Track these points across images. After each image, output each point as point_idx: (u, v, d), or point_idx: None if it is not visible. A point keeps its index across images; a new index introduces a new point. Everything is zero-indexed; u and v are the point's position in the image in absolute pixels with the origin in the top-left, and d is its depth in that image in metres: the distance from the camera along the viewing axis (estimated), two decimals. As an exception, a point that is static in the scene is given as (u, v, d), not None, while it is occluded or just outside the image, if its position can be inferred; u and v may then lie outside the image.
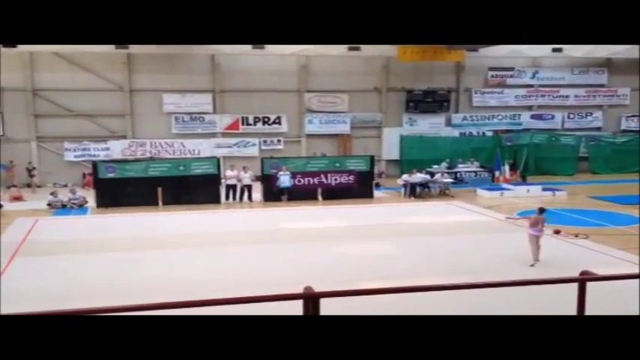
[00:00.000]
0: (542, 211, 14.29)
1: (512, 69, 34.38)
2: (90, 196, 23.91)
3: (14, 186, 26.58)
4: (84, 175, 28.69)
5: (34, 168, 28.94)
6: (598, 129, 35.73)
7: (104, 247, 15.90)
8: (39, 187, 28.21)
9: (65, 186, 27.99)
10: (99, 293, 11.69)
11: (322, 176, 24.99)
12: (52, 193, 23.51)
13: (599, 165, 34.25)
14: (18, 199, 24.92)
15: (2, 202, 22.07)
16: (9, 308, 9.33)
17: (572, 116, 35.56)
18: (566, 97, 35.21)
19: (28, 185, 28.03)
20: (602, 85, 35.55)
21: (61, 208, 22.67)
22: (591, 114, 35.70)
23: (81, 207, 22.92)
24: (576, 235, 16.79)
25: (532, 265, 13.26)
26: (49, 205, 22.77)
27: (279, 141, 32.11)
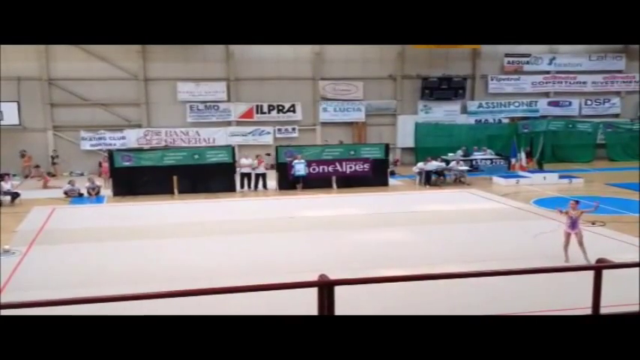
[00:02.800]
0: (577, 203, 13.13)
1: (528, 55, 34.05)
2: (106, 185, 24.12)
3: (37, 166, 26.87)
4: (100, 164, 28.87)
5: (57, 156, 29.28)
6: (616, 115, 35.40)
7: (121, 236, 16.02)
8: (54, 175, 28.41)
9: (82, 175, 28.23)
10: (115, 281, 11.78)
11: (337, 164, 24.95)
12: (69, 182, 23.69)
13: (617, 152, 33.95)
14: (46, 180, 25.65)
15: (20, 191, 22.26)
16: (27, 295, 9.45)
17: (589, 103, 35.23)
18: (584, 83, 34.87)
19: (48, 174, 28.25)
20: (619, 71, 35.14)
21: (77, 196, 22.84)
22: (609, 100, 35.35)
23: (97, 196, 23.07)
24: (593, 223, 16.64)
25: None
26: (65, 193, 22.96)
27: (293, 129, 32.12)
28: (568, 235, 12.61)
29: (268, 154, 25.14)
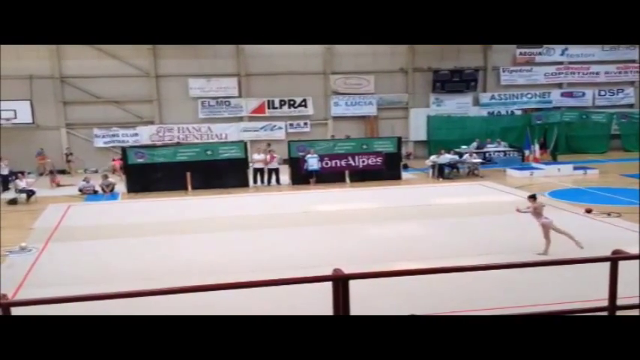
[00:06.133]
0: (533, 197, 13.46)
1: (540, 46, 33.78)
2: (118, 180, 24.33)
3: (51, 172, 26.98)
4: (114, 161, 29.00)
5: (72, 154, 29.44)
6: (630, 105, 35.06)
7: (136, 232, 16.10)
8: (68, 173, 28.52)
9: (96, 172, 28.36)
10: (131, 277, 11.87)
11: (350, 158, 24.95)
12: (84, 179, 23.85)
13: (632, 142, 33.60)
14: (57, 183, 25.60)
15: (35, 189, 22.42)
16: (44, 292, 9.53)
17: (603, 93, 34.94)
18: (597, 73, 34.58)
19: (62, 171, 28.39)
20: (633, 61, 34.79)
21: (92, 193, 22.99)
22: (622, 90, 35.03)
23: (112, 192, 23.21)
24: (608, 214, 16.55)
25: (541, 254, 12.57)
26: (80, 190, 23.12)
27: (305, 124, 32.12)
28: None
29: (269, 144, 25.44)
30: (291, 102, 32.01)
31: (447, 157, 25.74)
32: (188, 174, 23.47)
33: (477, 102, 33.87)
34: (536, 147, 29.21)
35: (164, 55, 30.42)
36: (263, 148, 25.44)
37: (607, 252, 5.40)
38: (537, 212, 13.09)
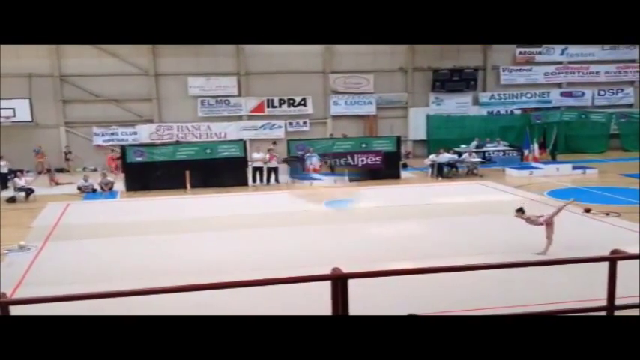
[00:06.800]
0: (520, 211, 13.52)
1: (540, 46, 33.76)
2: (116, 179, 24.32)
3: (49, 170, 26.97)
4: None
5: (70, 152, 29.40)
6: (629, 105, 35.05)
7: (134, 231, 16.08)
8: (67, 171, 28.50)
9: (95, 170, 28.35)
10: (129, 276, 11.86)
11: (349, 157, 24.94)
12: (84, 178, 23.84)
13: (631, 142, 33.57)
14: (56, 181, 25.55)
15: (34, 187, 22.41)
16: (44, 290, 9.52)
17: (602, 93, 34.93)
18: (596, 73, 34.57)
19: (61, 170, 28.34)
20: (632, 61, 34.78)
21: (91, 192, 22.98)
22: (622, 90, 35.02)
23: (111, 191, 23.21)
24: (607, 214, 16.55)
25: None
26: (79, 189, 23.11)
27: (304, 123, 32.10)
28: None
29: (274, 143, 25.56)
30: (291, 101, 31.99)
31: (446, 157, 25.74)
32: (187, 173, 23.45)
33: (476, 101, 33.86)
34: (536, 146, 29.12)
35: (163, 53, 30.39)
36: (269, 147, 25.37)
37: (606, 252, 5.41)
38: (531, 221, 13.17)
